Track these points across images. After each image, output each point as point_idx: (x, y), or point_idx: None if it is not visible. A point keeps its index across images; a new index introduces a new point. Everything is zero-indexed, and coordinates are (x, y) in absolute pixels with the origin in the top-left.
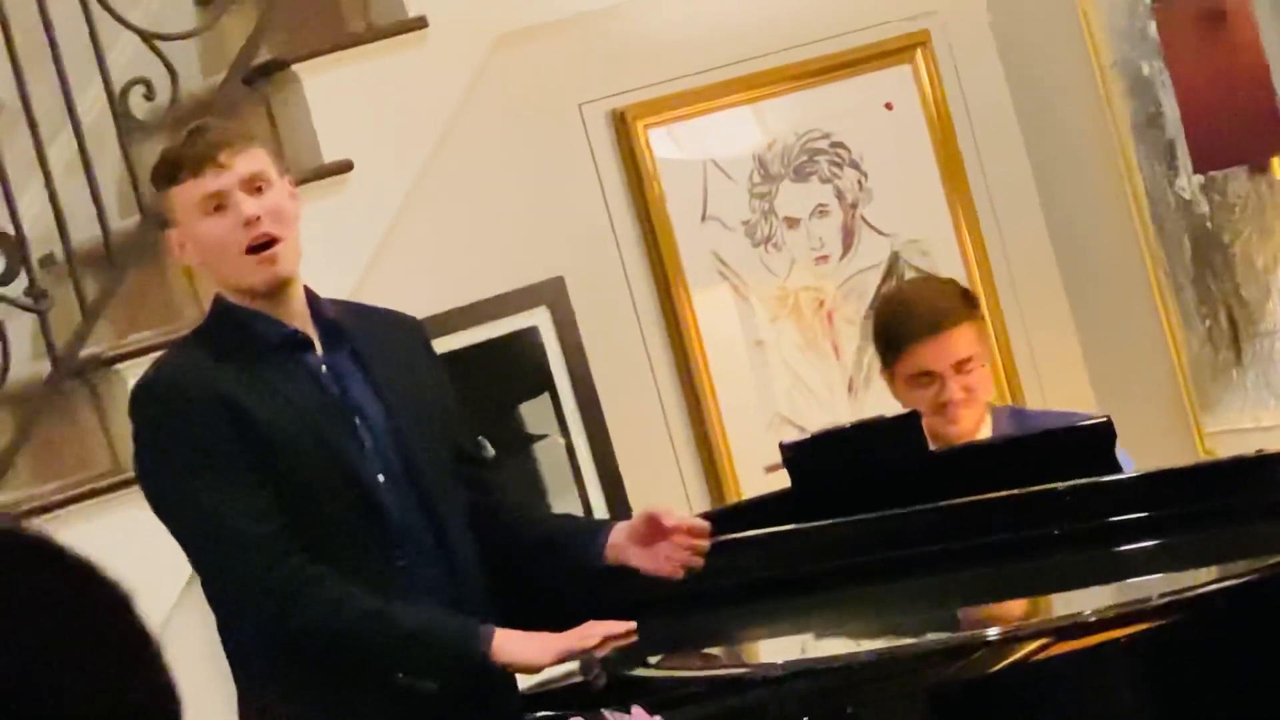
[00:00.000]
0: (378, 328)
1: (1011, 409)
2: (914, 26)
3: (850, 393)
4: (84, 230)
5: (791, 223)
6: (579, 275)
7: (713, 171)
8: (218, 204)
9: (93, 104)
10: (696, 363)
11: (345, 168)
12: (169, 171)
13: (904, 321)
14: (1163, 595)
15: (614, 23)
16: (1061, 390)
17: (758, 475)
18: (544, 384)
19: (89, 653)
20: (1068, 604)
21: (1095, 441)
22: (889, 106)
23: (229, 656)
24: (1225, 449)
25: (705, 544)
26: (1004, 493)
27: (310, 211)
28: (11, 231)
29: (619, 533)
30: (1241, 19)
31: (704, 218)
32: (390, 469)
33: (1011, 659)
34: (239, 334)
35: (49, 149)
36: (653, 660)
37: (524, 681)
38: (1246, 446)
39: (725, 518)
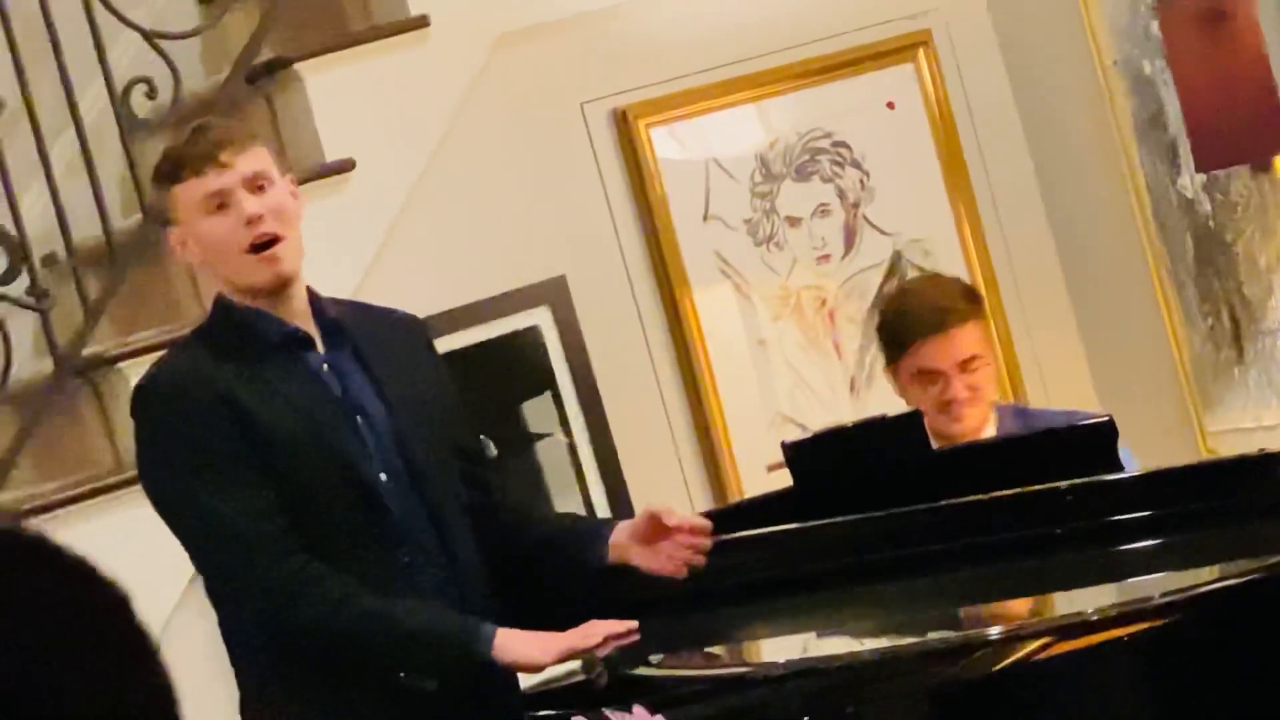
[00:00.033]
0: (379, 327)
1: (1016, 407)
2: (916, 25)
3: (852, 392)
4: (86, 229)
5: (793, 222)
6: (581, 274)
7: (715, 171)
8: (220, 203)
9: (94, 103)
10: (698, 362)
11: (347, 166)
12: (171, 170)
13: (909, 319)
14: (1164, 594)
15: (616, 22)
16: (1063, 389)
17: (760, 474)
18: (546, 383)
19: (87, 653)
20: (1070, 603)
21: (1097, 440)
22: (891, 106)
23: (231, 655)
24: (1227, 448)
25: (707, 543)
26: (1006, 492)
27: (312, 210)
28: (13, 230)
29: (620, 532)
30: (1244, 18)
31: (706, 217)
32: (392, 468)
33: (1013, 658)
34: (240, 333)
35: (51, 148)
36: (654, 659)
37: (526, 680)
38: (1249, 445)
39: (727, 517)
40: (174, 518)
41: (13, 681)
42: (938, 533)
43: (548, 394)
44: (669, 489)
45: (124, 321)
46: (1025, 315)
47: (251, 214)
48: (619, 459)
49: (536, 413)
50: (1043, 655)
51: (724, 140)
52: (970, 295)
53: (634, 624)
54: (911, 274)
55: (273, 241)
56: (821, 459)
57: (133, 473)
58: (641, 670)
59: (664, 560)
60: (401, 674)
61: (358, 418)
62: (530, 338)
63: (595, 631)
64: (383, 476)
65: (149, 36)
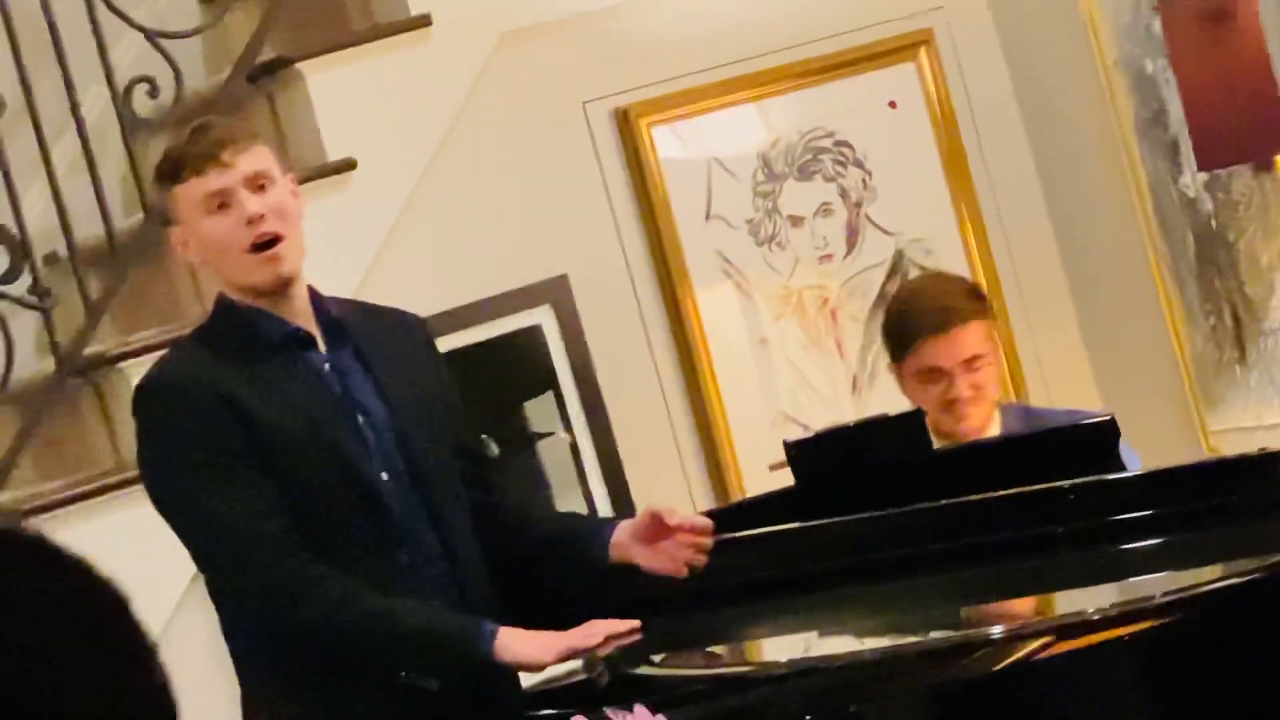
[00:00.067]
0: (381, 326)
1: (1020, 407)
2: (917, 25)
3: (854, 391)
4: (88, 228)
5: (795, 221)
6: (583, 273)
7: (716, 170)
8: (221, 202)
9: (96, 102)
10: (700, 361)
11: (349, 166)
12: (172, 170)
13: (913, 318)
14: (1166, 594)
15: (617, 21)
16: (1065, 388)
17: (761, 474)
18: (548, 382)
19: (86, 653)
20: (1071, 602)
21: (1098, 440)
22: (893, 105)
23: (232, 654)
24: (1229, 447)
25: (708, 542)
26: (1007, 491)
27: (314, 210)
28: (15, 230)
29: (622, 531)
30: (1245, 17)
31: (708, 216)
32: (393, 467)
33: (1014, 658)
34: (242, 332)
35: (53, 147)
36: (656, 659)
37: (527, 680)
38: (1250, 445)
39: (729, 516)
40: (175, 517)
41: (11, 681)
42: (939, 532)
43: (549, 393)
44: (671, 488)
45: (125, 321)
46: (1027, 314)
47: (253, 213)
48: (621, 458)
49: (538, 412)
50: (1044, 655)
51: (726, 139)
52: (975, 294)
53: (635, 623)
54: (913, 273)
55: (274, 241)
56: (823, 458)
57: (134, 472)
58: (643, 670)
59: (665, 559)
60: (402, 673)
61: (359, 417)
62: (532, 337)
63: (596, 631)
64: (384, 476)
65: (151, 36)
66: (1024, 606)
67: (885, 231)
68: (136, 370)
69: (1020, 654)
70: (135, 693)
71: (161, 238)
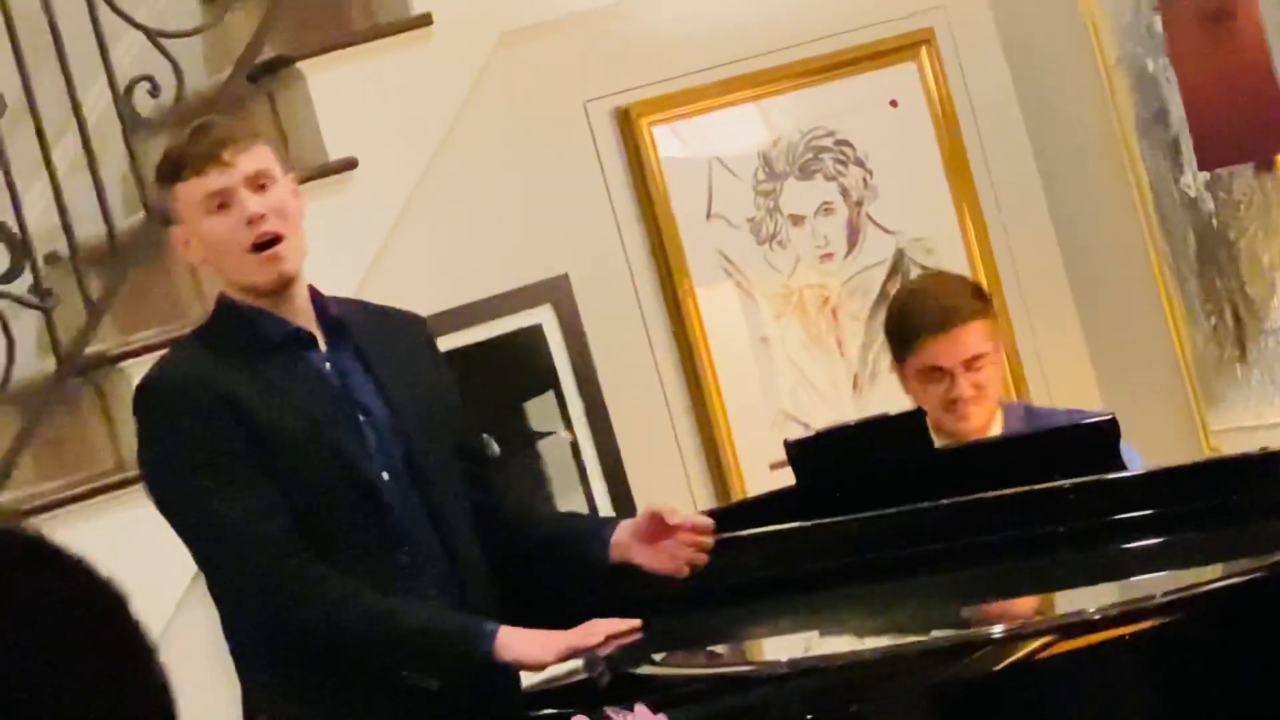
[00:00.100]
0: (382, 326)
1: (1022, 406)
2: (918, 24)
3: (855, 390)
4: (89, 228)
5: (796, 220)
6: (583, 273)
7: (717, 169)
8: (221, 202)
9: (97, 101)
10: (701, 360)
11: (350, 165)
12: (173, 169)
13: (916, 316)
14: (1167, 593)
15: (618, 20)
16: (1066, 387)
17: (762, 473)
18: (549, 382)
19: (85, 654)
20: (1072, 602)
21: (1099, 439)
22: (894, 104)
23: (233, 654)
24: (1230, 446)
25: (709, 542)
26: (1008, 490)
27: (314, 209)
28: (16, 229)
29: (623, 531)
30: (1246, 16)
31: (709, 215)
32: (394, 467)
33: (1015, 657)
34: (242, 332)
35: (54, 146)
36: (656, 658)
37: (528, 679)
38: (1251, 444)
39: (730, 515)
40: (176, 517)
41: (11, 681)
42: (940, 531)
43: (550, 393)
44: (671, 487)
45: (126, 320)
46: (1028, 313)
47: (253, 213)
48: (622, 458)
49: (539, 411)
50: (1045, 654)
51: (727, 139)
52: (978, 293)
53: (636, 623)
54: (914, 272)
55: (274, 241)
56: (824, 457)
57: (135, 472)
58: (643, 669)
59: (666, 559)
60: (403, 673)
61: (359, 417)
62: (533, 336)
63: (597, 630)
64: (384, 476)
65: (152, 35)
66: (1025, 606)
67: (886, 230)
68: (137, 370)
69: (1021, 654)
70: (134, 693)
71: (162, 237)
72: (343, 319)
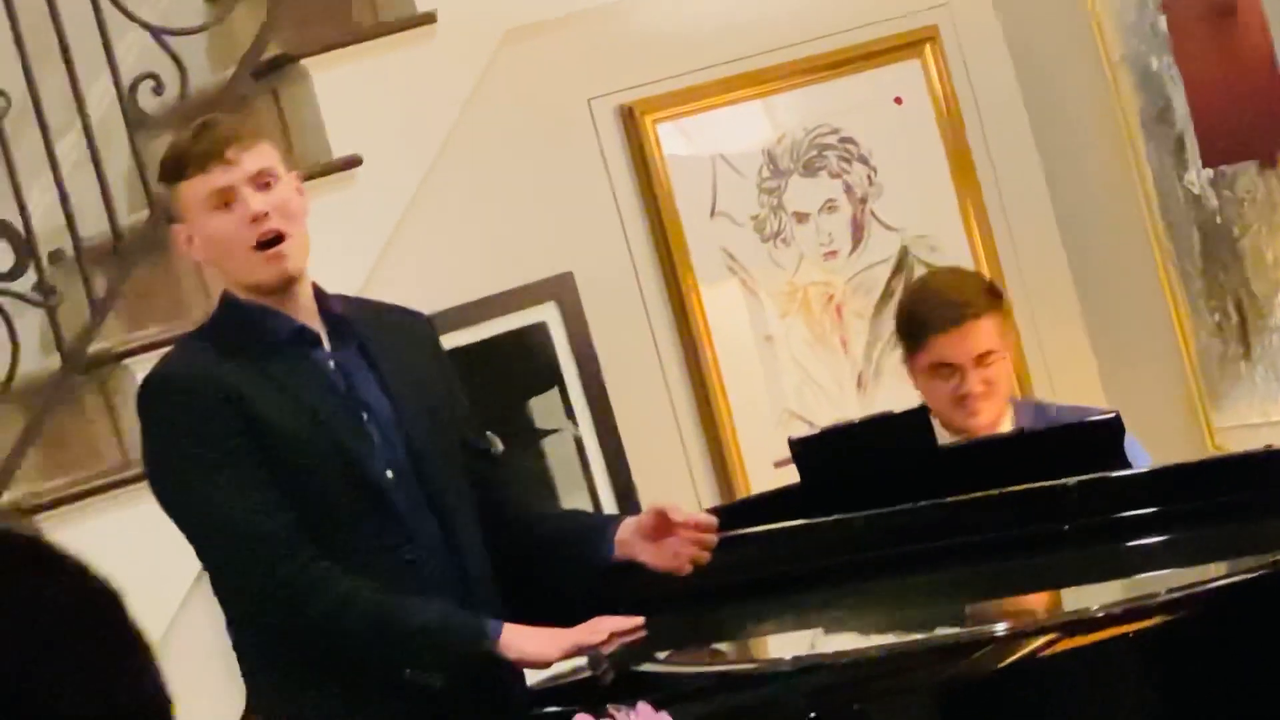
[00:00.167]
0: (385, 324)
1: (1032, 403)
2: (923, 21)
3: (859, 388)
4: (93, 225)
5: (800, 218)
6: (588, 270)
7: (722, 167)
8: (225, 200)
9: (101, 99)
10: (705, 358)
11: (354, 163)
12: (176, 167)
13: (926, 312)
14: (1170, 591)
15: (622, 17)
16: (1070, 384)
17: (766, 470)
18: (553, 379)
19: (80, 654)
20: (1076, 599)
21: (1103, 437)
22: (898, 101)
23: (237, 651)
24: (1235, 444)
25: (713, 539)
26: (1012, 488)
27: (319, 207)
28: (20, 227)
29: (626, 528)
30: (1251, 13)
31: (713, 213)
32: (398, 465)
33: (1019, 654)
34: (247, 330)
35: (58, 144)
36: (660, 656)
37: (532, 677)
38: (1256, 441)
39: (734, 513)
40: (180, 514)
41: (5, 681)
42: (944, 529)
43: (554, 390)
44: (676, 485)
45: (131, 318)
46: (1032, 311)
47: (257, 211)
48: (626, 455)
49: (543, 409)
50: (1049, 652)
51: (731, 136)
52: (990, 289)
53: (640, 620)
54: (919, 270)
55: (278, 239)
56: (827, 455)
57: (139, 469)
58: (647, 667)
59: (669, 556)
60: (407, 671)
61: (363, 415)
62: (537, 334)
63: (601, 628)
64: (388, 474)
65: (156, 33)
66: (1028, 604)
67: (890, 228)
68: (141, 367)
69: (1024, 651)
70: (129, 693)
71: (166, 235)
72: (347, 317)
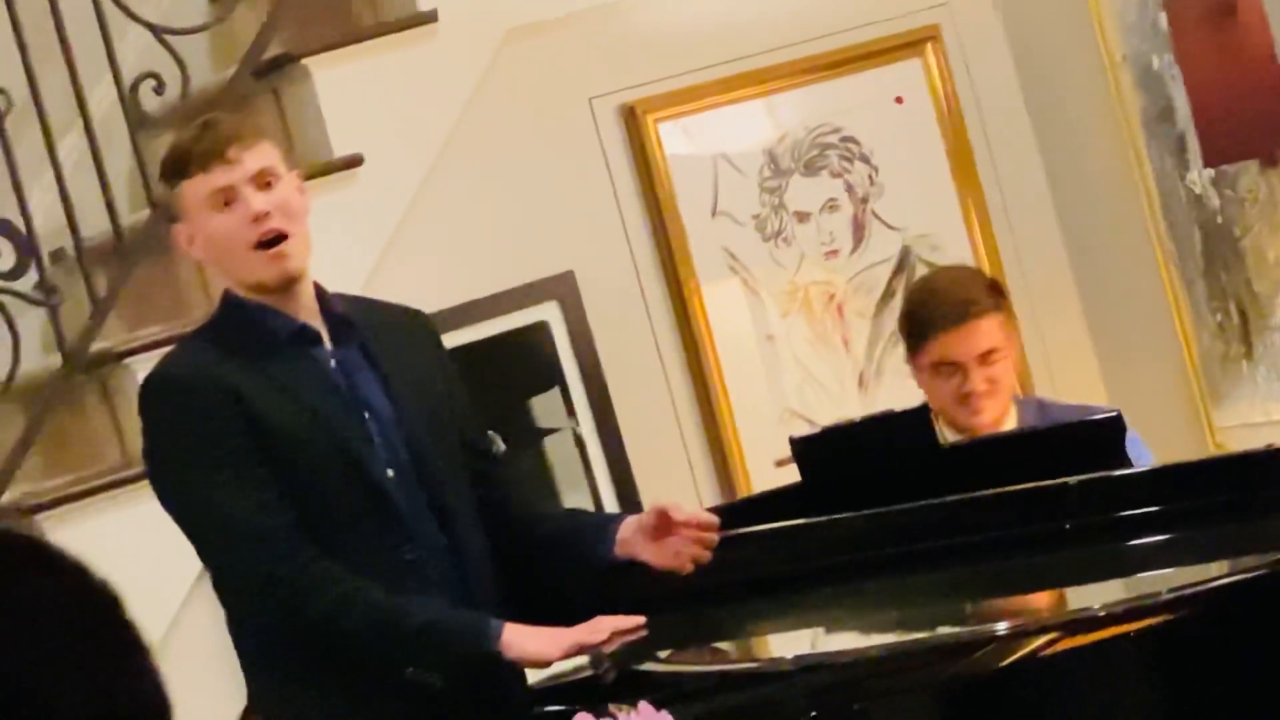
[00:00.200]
0: (387, 323)
1: (1037, 401)
2: (924, 20)
3: (861, 387)
4: (94, 225)
5: (802, 217)
6: (589, 270)
7: (723, 166)
8: (226, 199)
9: (103, 98)
10: (707, 357)
11: (355, 162)
12: (177, 166)
13: (929, 310)
14: (1172, 590)
15: (624, 17)
16: (1072, 384)
17: (768, 469)
18: (554, 378)
19: (78, 655)
20: (1077, 599)
21: (1105, 435)
22: (899, 101)
23: (238, 651)
24: (1236, 443)
25: (714, 538)
26: (1013, 487)
27: (320, 206)
28: (22, 226)
29: (628, 527)
30: (1252, 12)
31: (714, 212)
32: (399, 464)
33: (1020, 654)
34: (248, 329)
35: (59, 144)
36: (661, 655)
37: (533, 676)
38: (1257, 441)
39: (735, 512)
40: (180, 514)
41: (4, 682)
42: (945, 528)
43: (556, 389)
44: (677, 484)
45: (132, 317)
46: (1033, 310)
47: (258, 210)
48: (627, 454)
49: (545, 408)
50: (1050, 651)
51: (732, 135)
52: (993, 288)
53: (641, 619)
54: (920, 269)
55: (279, 238)
56: (828, 454)
57: (140, 468)
58: (648, 666)
59: (671, 555)
60: (408, 670)
61: (365, 414)
62: (538, 333)
63: (602, 627)
64: (389, 473)
65: (157, 32)
66: (1030, 603)
67: (891, 227)
68: (143, 366)
69: (1026, 650)
70: (128, 694)
71: (167, 234)
72: (348, 316)
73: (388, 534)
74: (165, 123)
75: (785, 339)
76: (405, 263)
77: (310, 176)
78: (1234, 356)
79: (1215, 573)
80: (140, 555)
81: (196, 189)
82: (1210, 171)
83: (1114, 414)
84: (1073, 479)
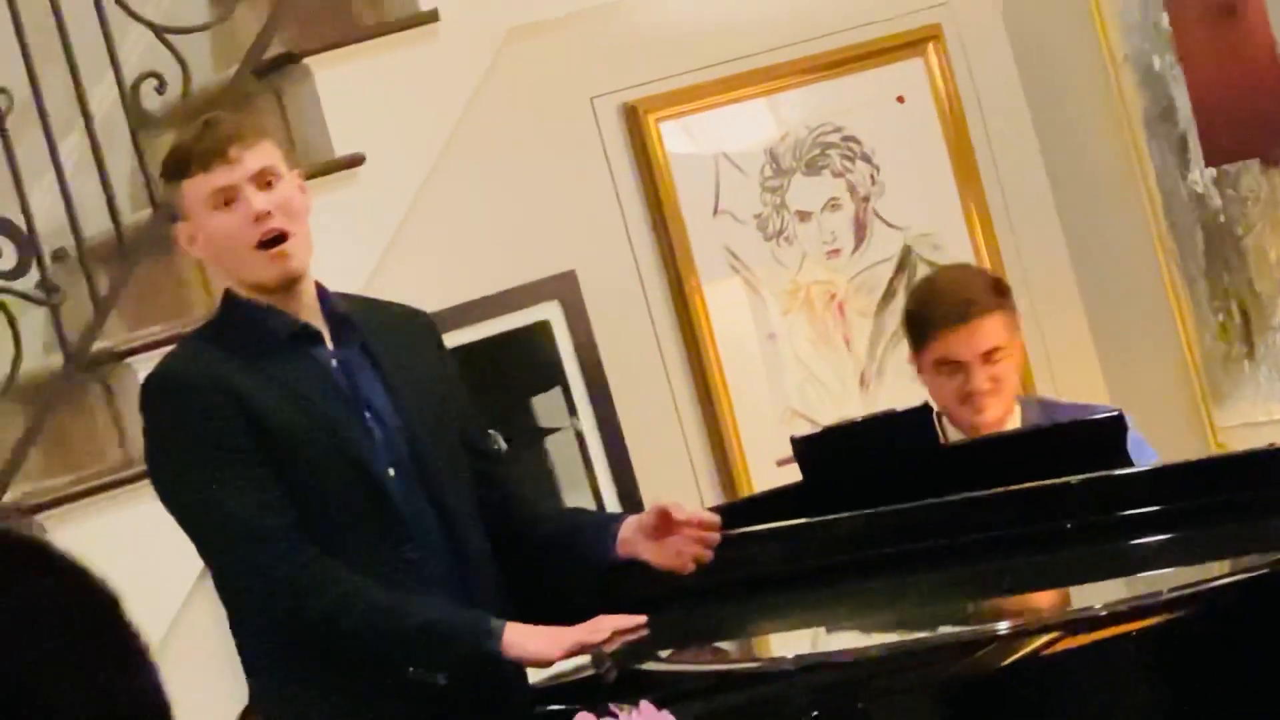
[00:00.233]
0: (388, 322)
1: (1040, 400)
2: (926, 20)
3: (862, 386)
4: (96, 224)
5: (803, 216)
6: (591, 269)
7: (724, 165)
8: (227, 199)
9: (104, 98)
10: (708, 356)
11: (357, 161)
12: (179, 165)
13: (934, 308)
14: (1173, 589)
15: (625, 16)
16: (1074, 384)
17: (769, 469)
18: (556, 377)
19: (77, 656)
20: (1078, 598)
21: (1106, 435)
22: (901, 100)
23: (240, 650)
24: (1237, 443)
25: (715, 538)
26: (1015, 486)
27: (322, 205)
28: (23, 225)
29: (629, 527)
30: (1253, 12)
31: (716, 211)
32: (400, 463)
33: (1022, 653)
34: (249, 328)
35: (61, 143)
36: (662, 654)
37: (534, 675)
38: (1259, 440)
39: (736, 511)
40: (182, 512)
41: (3, 683)
42: (946, 527)
43: (557, 388)
44: (678, 483)
45: (133, 317)
46: (1035, 309)
47: (259, 210)
48: (629, 454)
49: (546, 407)
50: (1051, 650)
51: (734, 135)
52: (997, 287)
53: (642, 619)
54: (921, 268)
55: (281, 238)
56: (830, 453)
57: (141, 468)
58: (649, 665)
59: (672, 555)
60: (409, 669)
61: (366, 413)
62: (540, 332)
63: (603, 626)
64: (390, 472)
65: (159, 31)
66: (1031, 602)
67: (893, 226)
68: (144, 366)
69: (1027, 650)
70: (127, 694)
71: (169, 233)
72: (349, 315)
73: (388, 533)
74: (166, 122)
75: (787, 338)
76: (406, 262)
77: (311, 176)
78: (1236, 356)
79: (1216, 572)
80: (141, 555)
81: (197, 188)
82: (1212, 171)
83: (1115, 413)
84: (1074, 478)
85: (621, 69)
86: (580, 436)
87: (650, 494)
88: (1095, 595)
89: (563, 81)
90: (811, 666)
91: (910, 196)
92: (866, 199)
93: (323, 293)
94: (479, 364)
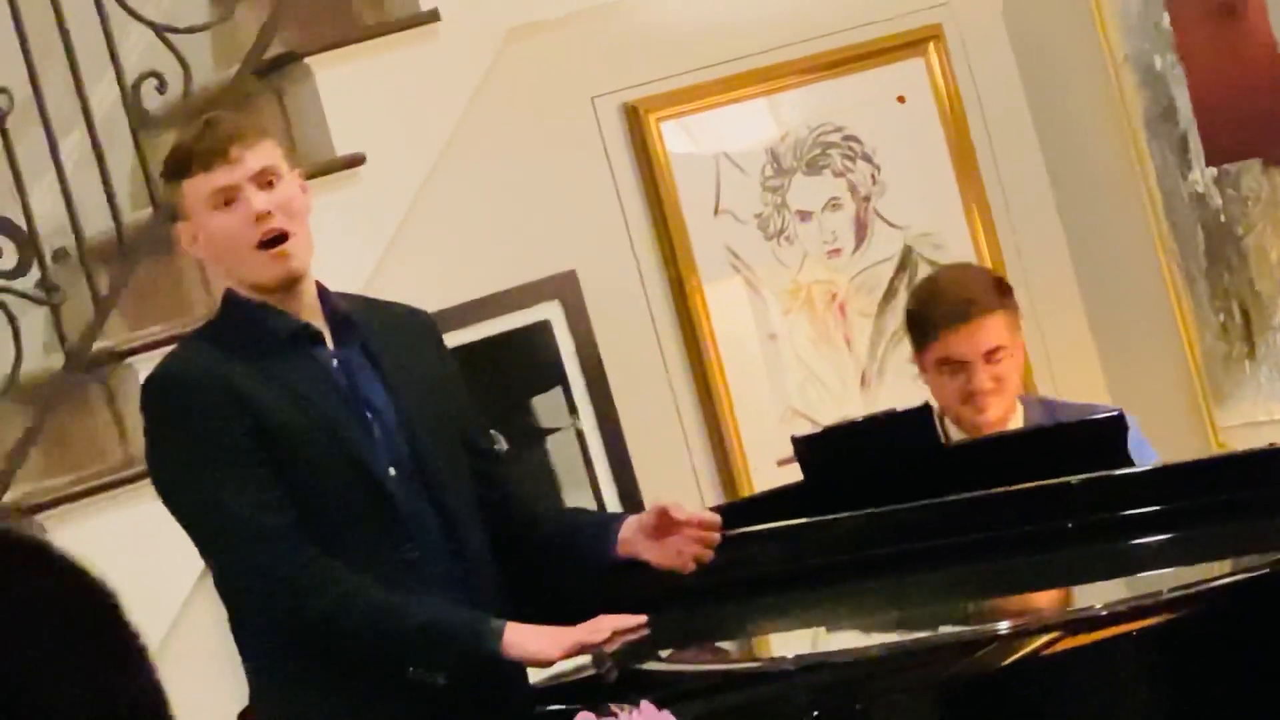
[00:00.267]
0: (389, 322)
1: (1042, 400)
2: (927, 19)
3: (863, 386)
4: (96, 224)
5: (804, 216)
6: (591, 269)
7: (725, 165)
8: (228, 198)
9: (105, 97)
10: (709, 356)
11: (357, 161)
12: (180, 165)
13: (935, 308)
14: (1173, 589)
15: (626, 15)
16: (1074, 383)
17: (770, 469)
18: (556, 377)
19: (77, 656)
20: (1079, 598)
21: (1107, 434)
22: (901, 100)
23: (240, 650)
24: (1238, 443)
25: (716, 537)
26: (1015, 486)
27: (322, 205)
28: (24, 225)
29: (629, 526)
30: (1254, 12)
31: (716, 211)
32: (400, 463)
33: (1022, 653)
34: (250, 328)
35: (61, 143)
36: (663, 654)
37: (535, 675)
38: (1259, 440)
39: (737, 511)
40: (183, 512)
41: (3, 683)
42: (947, 527)
43: (558, 388)
44: (679, 483)
45: (134, 316)
46: (1036, 309)
47: (260, 210)
48: (629, 454)
49: (547, 407)
50: (1052, 650)
51: (735, 134)
52: (1000, 286)
53: (642, 619)
54: (922, 268)
55: (281, 238)
56: (831, 453)
57: (142, 467)
58: (650, 665)
59: (672, 555)
60: (409, 669)
61: (366, 413)
62: (541, 332)
63: (604, 626)
64: (391, 471)
65: (159, 31)
66: (1032, 602)
67: (894, 226)
68: (145, 365)
69: (1028, 650)
70: (126, 695)
71: (170, 233)
72: (350, 315)
73: (389, 533)
74: (167, 122)
75: (787, 338)
76: (407, 262)
77: (312, 176)
78: (1236, 356)
79: (1217, 572)
80: (141, 555)
81: (198, 188)
82: (1212, 171)
83: (1116, 413)
84: (1075, 478)
85: (622, 69)
86: (581, 436)
87: (650, 494)
88: (1096, 595)
89: (563, 81)
90: (811, 666)
91: (911, 196)
92: (867, 199)
93: (323, 293)
94: (479, 364)
